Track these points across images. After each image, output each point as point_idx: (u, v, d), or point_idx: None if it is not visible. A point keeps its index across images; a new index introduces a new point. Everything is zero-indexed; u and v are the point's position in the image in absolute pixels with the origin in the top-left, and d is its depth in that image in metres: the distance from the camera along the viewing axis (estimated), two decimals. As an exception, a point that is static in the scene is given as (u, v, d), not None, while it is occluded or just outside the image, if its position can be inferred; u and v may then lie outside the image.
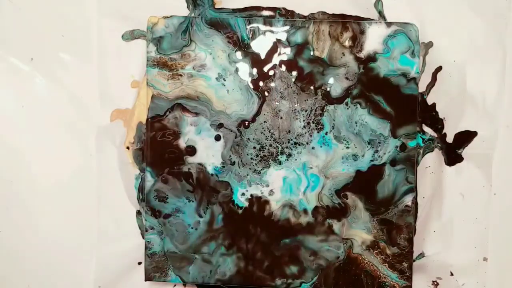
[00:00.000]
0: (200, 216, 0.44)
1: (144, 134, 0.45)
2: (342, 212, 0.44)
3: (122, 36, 0.45)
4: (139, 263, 0.46)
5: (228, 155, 0.44)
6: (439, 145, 0.45)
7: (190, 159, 0.44)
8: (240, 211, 0.44)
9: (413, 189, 0.44)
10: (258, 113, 0.44)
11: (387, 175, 0.44)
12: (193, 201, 0.44)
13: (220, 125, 0.44)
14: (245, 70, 0.44)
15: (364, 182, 0.44)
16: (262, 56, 0.44)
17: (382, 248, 0.44)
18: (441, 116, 0.45)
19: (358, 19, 0.45)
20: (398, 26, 0.43)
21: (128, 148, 0.46)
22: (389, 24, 0.43)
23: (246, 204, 0.44)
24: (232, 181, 0.44)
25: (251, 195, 0.44)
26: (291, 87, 0.44)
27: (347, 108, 0.43)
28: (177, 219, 0.44)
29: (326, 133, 0.44)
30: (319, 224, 0.44)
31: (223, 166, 0.44)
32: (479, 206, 0.46)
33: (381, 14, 0.45)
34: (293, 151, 0.44)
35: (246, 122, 0.44)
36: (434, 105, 0.45)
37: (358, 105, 0.43)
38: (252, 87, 0.44)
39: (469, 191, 0.45)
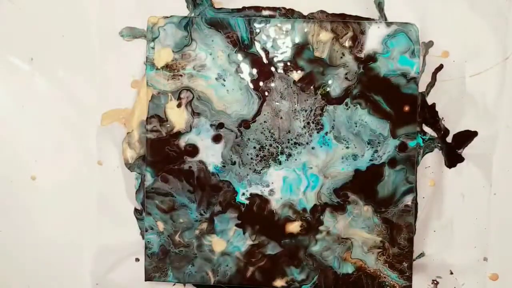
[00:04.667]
0: (201, 215, 0.44)
1: (144, 133, 0.45)
2: (341, 211, 0.44)
3: (122, 36, 0.45)
4: (137, 259, 0.46)
5: (229, 155, 0.44)
6: (439, 145, 0.45)
7: (190, 158, 0.44)
8: (241, 211, 0.44)
9: (413, 189, 0.44)
10: (258, 113, 0.44)
11: (387, 175, 0.44)
12: (193, 201, 0.44)
13: (221, 125, 0.44)
14: (245, 70, 0.44)
15: (364, 182, 0.44)
16: (262, 56, 0.44)
17: (383, 248, 0.44)
18: (441, 116, 0.45)
19: (358, 19, 0.45)
20: (398, 26, 0.43)
21: (127, 147, 0.46)
22: (389, 24, 0.43)
23: (246, 203, 0.44)
24: (233, 181, 0.44)
25: (251, 195, 0.44)
26: (291, 87, 0.44)
27: (347, 109, 0.43)
28: (177, 218, 0.44)
29: (326, 133, 0.44)
30: (318, 223, 0.44)
31: (224, 166, 0.44)
32: (479, 206, 0.46)
33: (380, 6, 0.45)
34: (293, 151, 0.44)
35: (247, 122, 0.44)
36: (434, 105, 0.45)
37: (358, 105, 0.43)
38: (252, 87, 0.44)
39: (469, 191, 0.46)
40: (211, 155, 0.44)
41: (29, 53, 0.46)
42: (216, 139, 0.44)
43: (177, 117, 0.44)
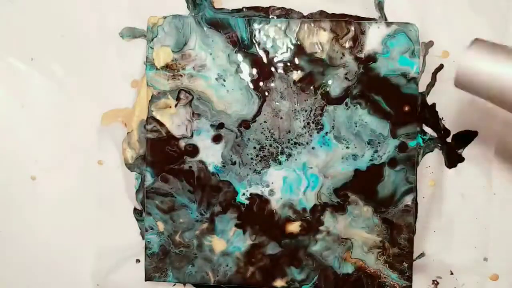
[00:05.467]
0: (202, 215, 0.44)
1: (144, 133, 0.45)
2: (341, 211, 0.44)
3: (122, 36, 0.45)
4: (137, 261, 0.46)
5: (229, 155, 0.44)
6: (439, 145, 0.45)
7: (190, 158, 0.44)
8: (241, 211, 0.44)
9: (413, 189, 0.44)
10: (258, 113, 0.44)
11: (387, 175, 0.44)
12: (193, 201, 0.44)
13: (221, 125, 0.44)
14: (245, 70, 0.44)
15: (364, 182, 0.44)
16: (262, 56, 0.44)
17: (383, 248, 0.44)
18: (441, 116, 0.45)
19: (358, 19, 0.45)
20: (398, 26, 0.43)
21: (127, 147, 0.46)
22: (389, 24, 0.43)
23: (246, 204, 0.44)
24: (233, 181, 0.44)
25: (251, 195, 0.44)
26: (291, 87, 0.44)
27: (347, 109, 0.43)
28: (177, 218, 0.44)
29: (326, 133, 0.44)
30: (318, 223, 0.44)
31: (224, 166, 0.44)
32: (479, 206, 0.46)
33: (380, 6, 0.44)
34: (293, 151, 0.44)
35: (247, 122, 0.44)
36: (434, 105, 0.45)
37: (358, 105, 0.43)
38: (252, 87, 0.44)
39: (469, 191, 0.46)
40: (211, 155, 0.44)
41: (29, 53, 0.46)
42: (216, 139, 0.44)
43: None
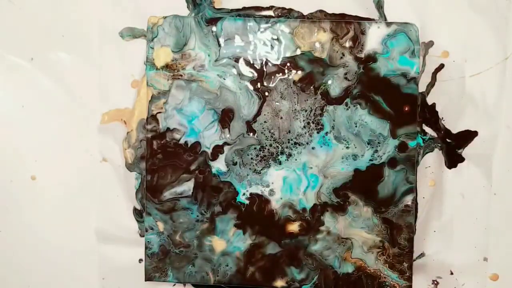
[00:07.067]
0: (202, 215, 0.44)
1: (144, 133, 0.45)
2: (341, 211, 0.44)
3: (122, 36, 0.45)
4: (140, 260, 0.46)
5: (231, 156, 0.44)
6: (439, 145, 0.45)
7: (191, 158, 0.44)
8: (241, 211, 0.44)
9: (413, 189, 0.44)
10: (258, 113, 0.44)
11: (387, 176, 0.44)
12: (194, 202, 0.44)
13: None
14: (245, 71, 0.44)
15: (364, 182, 0.44)
16: (262, 57, 0.44)
17: (383, 248, 0.44)
18: (440, 116, 0.45)
19: (358, 19, 0.45)
20: (398, 26, 0.43)
21: (127, 147, 0.46)
22: (389, 24, 0.43)
23: (246, 203, 0.44)
24: (233, 181, 0.44)
25: (251, 195, 0.44)
26: (291, 87, 0.44)
27: (347, 109, 0.43)
28: (177, 218, 0.44)
29: (326, 133, 0.44)
30: (318, 223, 0.44)
31: (227, 166, 0.44)
32: (479, 206, 0.46)
33: (379, 4, 0.44)
34: (293, 151, 0.44)
35: (247, 123, 0.44)
36: (434, 105, 0.45)
37: (358, 106, 0.43)
38: (252, 87, 0.44)
39: (469, 191, 0.46)
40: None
41: (29, 53, 0.46)
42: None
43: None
